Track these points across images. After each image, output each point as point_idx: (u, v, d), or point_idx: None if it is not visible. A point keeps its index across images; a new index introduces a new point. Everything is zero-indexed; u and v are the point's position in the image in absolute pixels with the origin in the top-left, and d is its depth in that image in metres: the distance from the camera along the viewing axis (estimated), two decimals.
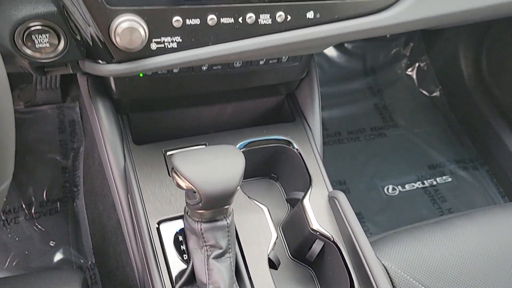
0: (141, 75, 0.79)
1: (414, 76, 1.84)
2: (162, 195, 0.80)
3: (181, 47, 0.67)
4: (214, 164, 0.65)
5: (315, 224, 0.82)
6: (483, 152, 1.68)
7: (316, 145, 0.92)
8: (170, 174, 0.73)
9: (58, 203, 1.33)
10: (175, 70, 0.80)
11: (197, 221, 0.68)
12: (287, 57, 0.86)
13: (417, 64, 1.84)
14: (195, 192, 0.64)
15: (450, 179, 1.63)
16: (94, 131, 0.86)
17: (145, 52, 0.66)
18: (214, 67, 0.82)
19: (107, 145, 0.82)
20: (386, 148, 1.67)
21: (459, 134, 1.73)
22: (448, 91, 1.79)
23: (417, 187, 1.60)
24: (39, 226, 1.28)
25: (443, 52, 1.77)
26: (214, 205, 0.66)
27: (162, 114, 0.93)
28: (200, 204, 0.65)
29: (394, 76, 1.84)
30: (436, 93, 1.81)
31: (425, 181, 1.61)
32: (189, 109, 0.94)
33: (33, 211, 1.30)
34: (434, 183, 1.62)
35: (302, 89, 0.98)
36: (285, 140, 0.92)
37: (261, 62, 0.85)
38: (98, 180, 1.12)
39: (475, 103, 1.67)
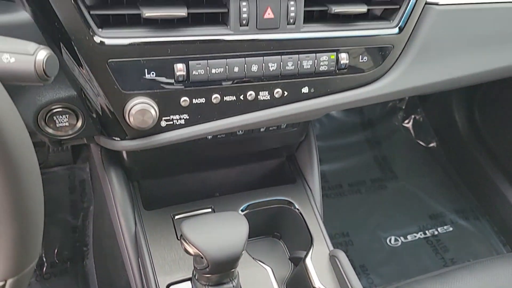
0: None
1: (411, 128, 1.91)
2: (171, 259, 0.84)
3: (188, 123, 0.74)
4: (219, 231, 0.69)
5: (317, 283, 0.85)
6: (482, 201, 1.71)
7: (316, 205, 0.97)
8: (179, 239, 0.77)
9: (69, 263, 1.36)
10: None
11: (205, 285, 0.72)
12: (285, 124, 0.93)
13: (413, 116, 1.91)
14: (202, 257, 0.68)
15: (451, 229, 1.66)
16: (107, 198, 0.92)
17: (156, 129, 0.72)
18: (218, 136, 0.88)
19: (119, 212, 0.87)
20: (387, 199, 1.71)
21: (458, 184, 1.78)
22: (445, 142, 1.85)
23: (419, 238, 1.63)
24: None
25: (437, 104, 1.85)
26: (221, 270, 0.70)
27: (171, 179, 0.99)
28: (207, 269, 0.69)
29: (391, 128, 1.91)
30: (433, 144, 1.87)
31: (426, 231, 1.64)
32: (196, 174, 1.00)
33: (44, 271, 1.33)
34: (436, 233, 1.64)
35: (302, 151, 1.05)
36: (286, 200, 0.97)
37: (262, 129, 0.91)
38: (108, 241, 1.16)
39: (471, 153, 1.72)
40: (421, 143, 1.88)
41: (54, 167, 1.50)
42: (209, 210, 0.92)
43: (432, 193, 1.74)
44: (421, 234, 1.64)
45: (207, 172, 1.01)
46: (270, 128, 0.92)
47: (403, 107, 1.91)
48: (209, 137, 0.88)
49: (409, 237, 1.62)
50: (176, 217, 0.90)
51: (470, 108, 1.74)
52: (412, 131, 1.91)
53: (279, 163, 1.07)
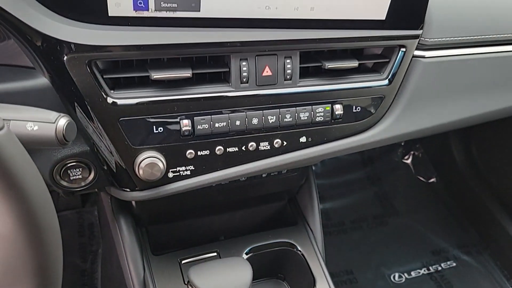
0: None
1: (410, 164, 1.95)
2: None
3: (194, 174, 0.78)
4: (225, 276, 0.73)
5: None
6: (484, 236, 1.73)
7: (317, 247, 1.01)
8: (186, 284, 0.81)
9: None
10: None
11: None
12: (286, 169, 0.97)
13: (412, 153, 1.96)
14: None
15: (454, 264, 1.68)
16: (116, 243, 0.96)
17: (164, 180, 0.77)
18: (221, 182, 0.93)
19: (129, 258, 0.91)
20: (389, 236, 1.74)
21: (459, 219, 1.80)
22: (444, 178, 1.88)
23: (423, 274, 1.64)
24: None
25: (435, 140, 1.89)
26: None
27: (177, 224, 1.03)
28: None
29: (391, 164, 1.95)
30: (433, 180, 1.90)
31: (430, 267, 1.66)
32: (201, 219, 1.04)
33: None
34: (439, 268, 1.66)
35: (302, 194, 1.09)
36: (288, 243, 1.01)
37: (264, 175, 0.96)
38: (116, 284, 1.19)
39: (471, 188, 1.76)
40: (421, 178, 1.92)
41: (63, 211, 1.54)
42: (215, 254, 0.95)
43: (434, 229, 1.77)
44: (424, 270, 1.65)
45: (212, 217, 1.05)
46: (272, 174, 0.96)
47: (402, 144, 1.96)
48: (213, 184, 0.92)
49: (413, 274, 1.64)
50: (183, 262, 0.93)
51: (467, 143, 1.78)
52: (412, 167, 1.95)
53: (280, 206, 1.11)
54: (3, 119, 0.53)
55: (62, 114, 0.54)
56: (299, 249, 1.00)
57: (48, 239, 0.47)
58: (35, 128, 0.53)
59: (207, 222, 1.05)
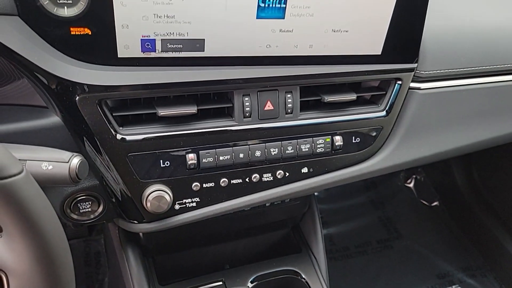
0: None
1: (413, 188, 1.97)
2: None
3: (199, 206, 0.81)
4: None
5: None
6: (488, 258, 1.74)
7: (322, 274, 1.02)
8: None
9: None
10: None
11: None
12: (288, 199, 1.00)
13: (414, 177, 1.98)
14: None
15: (459, 287, 1.68)
16: (123, 273, 0.98)
17: (170, 212, 0.80)
18: (226, 213, 0.95)
19: None
20: (394, 260, 1.74)
21: (463, 242, 1.81)
22: (447, 201, 1.90)
23: None
24: None
25: (436, 164, 1.91)
26: None
27: (183, 254, 1.05)
28: None
29: (394, 188, 1.97)
30: (436, 203, 1.92)
31: None
32: (207, 248, 1.06)
33: None
34: None
35: (305, 221, 1.11)
36: (292, 270, 1.03)
37: (267, 204, 0.99)
38: None
39: (474, 211, 1.77)
40: (424, 202, 1.93)
41: (70, 239, 1.55)
42: (220, 283, 0.97)
43: (438, 252, 1.77)
44: None
45: (217, 246, 1.07)
46: (275, 203, 0.99)
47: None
48: None
49: None
50: None
51: (468, 167, 1.81)
52: (414, 191, 1.96)
53: (284, 233, 1.13)
54: (20, 159, 0.56)
55: (75, 154, 0.57)
56: (303, 277, 1.01)
57: (63, 275, 0.49)
58: (50, 167, 0.56)
59: (212, 251, 1.07)
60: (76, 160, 0.57)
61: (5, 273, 0.47)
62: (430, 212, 1.91)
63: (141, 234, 0.94)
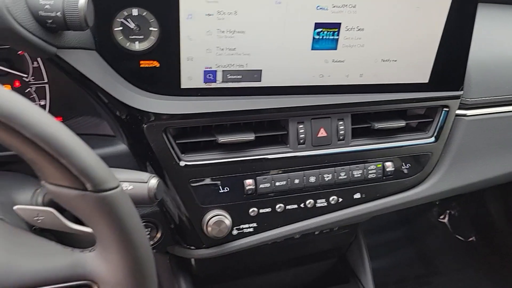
0: None
1: (447, 223, 1.94)
2: None
3: (256, 231, 0.83)
4: None
5: None
6: None
7: None
8: None
9: None
10: None
11: None
12: (338, 226, 1.01)
13: (448, 212, 1.95)
14: None
15: None
16: None
17: (228, 238, 0.81)
18: (281, 240, 0.96)
19: None
20: None
21: (504, 276, 1.76)
22: (484, 235, 1.86)
23: None
24: None
25: (471, 198, 1.89)
26: None
27: (233, 283, 1.05)
28: None
29: (428, 224, 1.94)
30: (472, 238, 1.88)
31: None
32: (255, 277, 1.06)
33: None
34: None
35: (352, 251, 1.11)
36: None
37: (316, 233, 0.99)
38: None
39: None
40: (460, 238, 1.90)
41: None
42: None
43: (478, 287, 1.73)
44: None
45: (266, 275, 1.07)
46: (324, 231, 1.00)
47: (437, 203, 1.97)
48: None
49: None
50: None
51: (505, 200, 1.78)
52: (449, 226, 1.93)
53: (331, 264, 1.13)
54: None
55: (153, 175, 0.60)
56: None
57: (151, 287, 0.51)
58: (130, 187, 0.59)
59: (261, 281, 1.07)
60: (154, 181, 0.59)
61: (98, 285, 0.49)
62: (468, 247, 1.87)
63: (193, 262, 0.95)
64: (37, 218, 0.54)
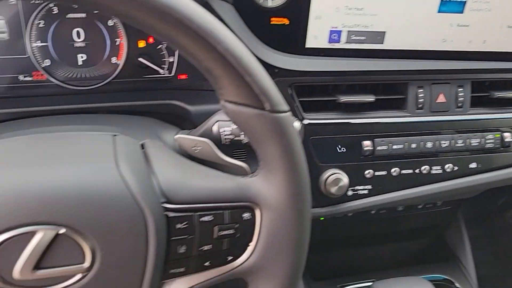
0: (322, 218, 0.94)
1: None
2: None
3: (370, 194, 0.83)
4: None
5: None
6: None
7: (474, 284, 0.98)
8: None
9: None
10: (349, 214, 0.94)
11: None
12: (441, 202, 0.99)
13: None
14: None
15: None
16: None
17: (343, 199, 0.82)
18: (380, 211, 0.96)
19: None
20: None
21: None
22: None
23: None
24: None
25: None
26: None
27: (334, 254, 1.06)
28: None
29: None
30: None
31: None
32: (354, 249, 1.06)
33: None
34: None
35: (451, 232, 1.09)
36: (445, 278, 1.00)
37: (419, 207, 0.98)
38: None
39: None
40: None
41: None
42: (370, 283, 0.96)
43: None
44: None
45: (364, 248, 1.07)
46: (427, 205, 0.98)
47: None
48: (373, 212, 0.96)
49: None
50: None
51: None
52: None
53: (428, 242, 1.11)
54: None
55: (295, 118, 0.62)
56: (458, 286, 0.98)
57: (309, 214, 0.52)
58: None
59: (359, 253, 1.07)
60: (297, 124, 0.61)
61: (259, 206, 0.50)
62: None
63: None
64: (195, 148, 0.57)
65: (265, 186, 0.50)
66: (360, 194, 0.83)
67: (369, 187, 0.83)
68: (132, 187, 0.45)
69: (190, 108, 0.77)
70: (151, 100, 0.78)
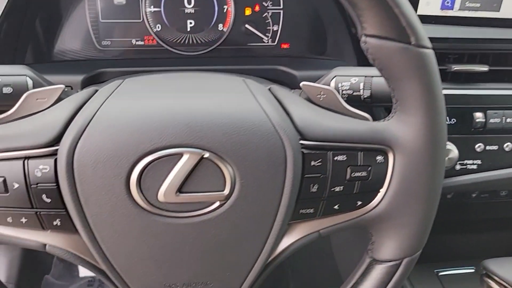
0: None
1: None
2: None
3: (480, 169, 0.79)
4: None
5: None
6: None
7: None
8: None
9: None
10: (448, 196, 0.90)
11: None
12: None
13: None
14: None
15: None
16: None
17: (451, 172, 0.78)
18: (482, 195, 0.91)
19: None
20: None
21: None
22: None
23: None
24: None
25: None
26: None
27: (430, 238, 1.01)
28: None
29: None
30: None
31: None
32: (454, 235, 1.02)
33: None
34: None
35: None
36: None
37: None
38: None
39: None
40: None
41: None
42: (472, 270, 0.92)
43: None
44: None
45: (466, 235, 1.02)
46: None
47: None
48: (474, 195, 0.91)
49: None
50: (440, 274, 0.91)
51: None
52: None
53: None
54: None
55: None
56: None
57: (444, 161, 0.50)
58: None
59: (457, 240, 1.02)
60: None
61: (392, 150, 0.48)
62: None
63: None
64: (319, 95, 0.56)
65: (401, 129, 0.48)
66: (468, 169, 0.79)
67: (479, 161, 0.79)
68: (272, 117, 0.44)
69: (296, 73, 0.77)
70: (256, 65, 0.79)
